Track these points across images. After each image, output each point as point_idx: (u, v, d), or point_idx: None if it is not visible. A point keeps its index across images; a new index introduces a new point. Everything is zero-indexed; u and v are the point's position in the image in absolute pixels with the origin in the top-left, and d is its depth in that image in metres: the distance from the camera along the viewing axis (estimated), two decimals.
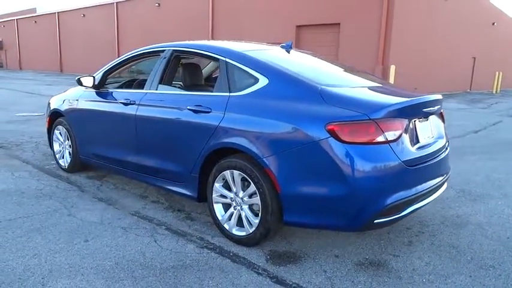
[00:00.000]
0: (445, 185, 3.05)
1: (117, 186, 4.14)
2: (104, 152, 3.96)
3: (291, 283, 2.40)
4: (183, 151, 3.13)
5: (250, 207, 2.82)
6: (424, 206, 2.73)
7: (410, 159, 2.50)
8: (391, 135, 2.41)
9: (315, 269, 2.57)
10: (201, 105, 2.99)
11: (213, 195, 2.99)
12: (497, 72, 22.26)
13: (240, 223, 2.88)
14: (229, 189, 2.93)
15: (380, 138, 2.37)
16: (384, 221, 2.46)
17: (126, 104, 3.61)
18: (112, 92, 3.91)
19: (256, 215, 2.78)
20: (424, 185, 2.64)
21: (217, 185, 2.95)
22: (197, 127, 2.99)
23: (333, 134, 2.36)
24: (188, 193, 3.19)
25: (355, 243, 2.95)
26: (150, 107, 3.39)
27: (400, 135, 2.47)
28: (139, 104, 3.48)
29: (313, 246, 2.89)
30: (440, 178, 2.88)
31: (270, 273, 2.50)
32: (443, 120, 3.19)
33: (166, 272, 2.48)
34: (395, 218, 2.50)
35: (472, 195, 4.11)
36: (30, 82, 20.42)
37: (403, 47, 15.48)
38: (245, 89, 2.84)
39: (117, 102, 3.72)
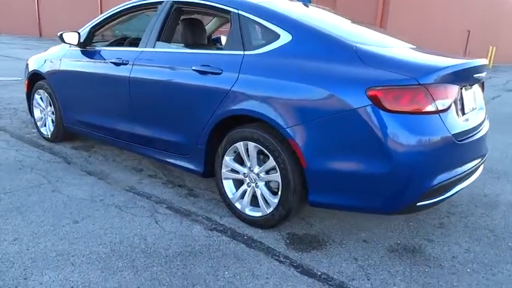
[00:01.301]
0: (482, 167, 2.72)
1: (107, 158, 3.71)
2: (93, 120, 3.50)
3: (319, 273, 2.07)
4: (187, 119, 2.71)
5: (267, 184, 2.45)
6: (464, 187, 2.40)
7: (458, 133, 2.14)
8: (441, 103, 2.03)
9: (343, 256, 2.24)
10: (209, 66, 2.54)
11: (223, 170, 2.60)
12: (490, 47, 22.03)
13: (254, 202, 2.51)
14: (241, 163, 2.54)
15: (429, 107, 2.00)
16: (427, 204, 2.13)
17: (117, 64, 3.13)
18: (100, 51, 3.41)
19: (275, 193, 2.41)
20: (469, 163, 2.31)
21: (228, 159, 2.56)
22: (204, 91, 2.56)
23: (375, 100, 1.97)
24: (192, 167, 2.79)
25: (382, 226, 2.62)
26: (147, 68, 2.93)
27: (451, 105, 2.10)
28: (133, 64, 3.01)
29: (336, 229, 2.55)
30: (480, 158, 2.54)
31: (293, 261, 2.16)
32: (483, 90, 2.83)
33: (173, 260, 2.12)
34: (439, 200, 2.16)
35: (494, 173, 3.82)
36: (7, 46, 19.29)
37: (401, 16, 15.00)
38: (263, 46, 2.41)
39: (107, 63, 3.23)
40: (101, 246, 2.21)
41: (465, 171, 2.26)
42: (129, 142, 3.21)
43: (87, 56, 3.48)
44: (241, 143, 2.44)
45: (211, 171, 2.76)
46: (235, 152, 2.55)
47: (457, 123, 2.16)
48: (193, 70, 2.61)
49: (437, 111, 2.02)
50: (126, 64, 3.06)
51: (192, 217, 2.64)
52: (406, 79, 1.97)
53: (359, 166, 2.05)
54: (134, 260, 2.10)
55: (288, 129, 2.20)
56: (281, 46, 2.34)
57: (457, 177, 2.19)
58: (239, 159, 2.57)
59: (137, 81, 2.97)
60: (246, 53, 2.44)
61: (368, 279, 2.04)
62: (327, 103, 2.08)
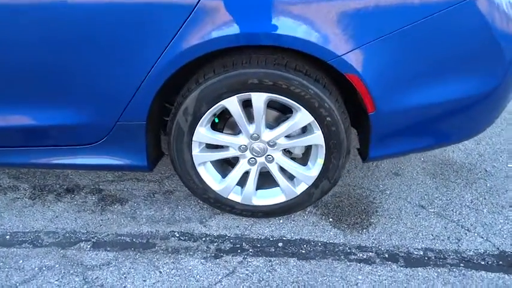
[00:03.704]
0: None
1: None
2: None
3: (434, 257, 1.44)
4: (91, 77, 1.30)
5: (285, 153, 1.49)
6: None
7: None
8: None
9: (411, 210, 1.64)
10: None
11: (194, 152, 1.44)
12: None
13: (261, 184, 1.54)
14: (228, 131, 1.46)
15: None
16: None
17: None
18: None
19: (302, 163, 1.50)
20: None
21: (204, 131, 1.40)
22: (127, 14, 1.19)
23: None
24: (116, 162, 1.48)
25: None
26: None
27: None
28: None
29: (355, 173, 1.88)
30: None
31: (380, 253, 1.44)
32: None
33: None
34: None
35: None
36: None
37: None
38: None
39: None
40: None
41: None
42: None
43: None
44: (235, 97, 1.31)
45: (156, 160, 1.54)
46: (214, 115, 1.40)
47: None
48: None
49: None
50: None
51: (159, 245, 1.48)
52: None
53: (460, 87, 1.33)
54: None
55: (345, 58, 1.22)
56: None
57: None
58: (220, 127, 1.46)
59: None
60: None
61: (485, 238, 1.51)
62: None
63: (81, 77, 1.30)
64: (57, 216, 1.63)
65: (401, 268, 1.38)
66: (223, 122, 1.49)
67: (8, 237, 1.53)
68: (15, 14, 1.21)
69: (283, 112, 1.45)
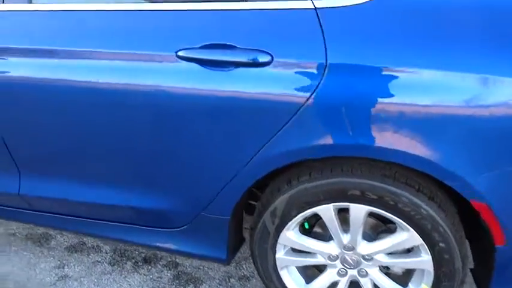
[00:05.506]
0: None
1: None
2: None
3: None
4: (184, 167, 1.25)
5: (383, 269, 1.28)
6: None
7: None
8: None
9: None
10: (233, 46, 1.06)
11: (278, 255, 1.29)
12: None
13: None
14: (319, 237, 1.29)
15: None
16: None
17: None
18: None
19: (402, 282, 1.27)
20: None
21: (291, 235, 1.25)
22: (221, 110, 1.12)
23: None
24: (194, 251, 1.39)
25: None
26: (30, 61, 1.25)
27: None
28: None
29: None
30: None
31: None
32: None
33: None
34: None
35: None
36: None
37: None
38: None
39: None
40: None
41: None
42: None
43: None
44: (331, 206, 1.15)
45: (235, 250, 1.43)
46: (305, 219, 1.26)
47: None
48: (182, 58, 1.10)
49: None
50: None
51: None
52: None
53: None
54: None
55: (472, 182, 1.00)
56: None
57: None
58: (306, 231, 1.31)
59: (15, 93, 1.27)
60: (320, 4, 1.02)
61: None
62: None
63: (175, 166, 1.26)
64: None
65: None
66: (313, 221, 1.33)
67: None
68: (107, 98, 1.21)
69: (382, 221, 1.25)
